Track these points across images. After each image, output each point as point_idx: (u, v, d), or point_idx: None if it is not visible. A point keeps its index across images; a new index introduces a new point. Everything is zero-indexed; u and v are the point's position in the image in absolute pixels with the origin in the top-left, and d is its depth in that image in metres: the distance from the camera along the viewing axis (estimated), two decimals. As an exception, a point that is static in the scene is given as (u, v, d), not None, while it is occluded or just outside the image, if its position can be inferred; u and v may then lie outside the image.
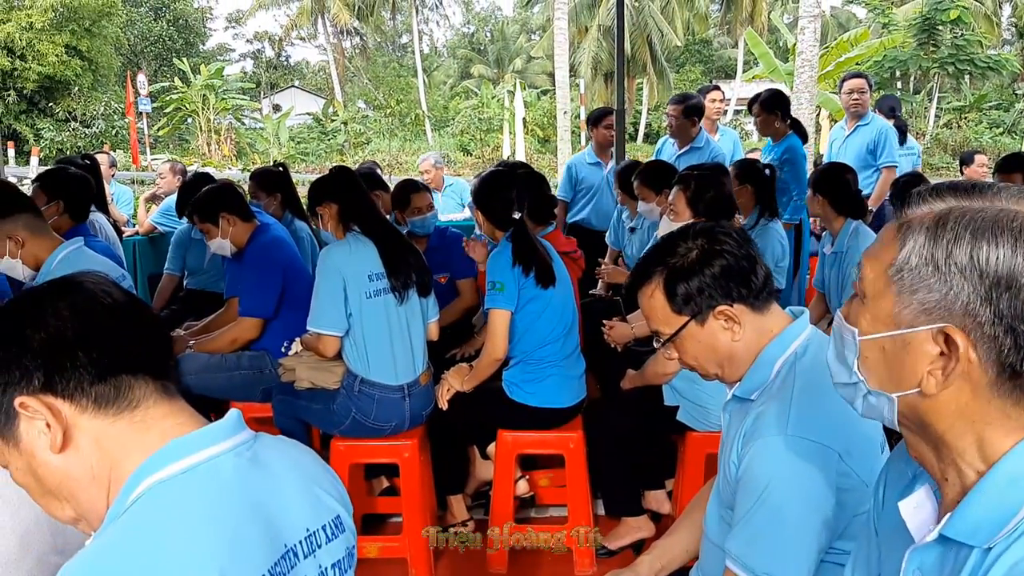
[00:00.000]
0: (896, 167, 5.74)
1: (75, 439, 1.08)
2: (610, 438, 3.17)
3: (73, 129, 25.37)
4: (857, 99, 5.88)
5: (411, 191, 4.22)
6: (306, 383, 3.31)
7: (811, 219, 5.06)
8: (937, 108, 25.76)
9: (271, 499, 1.11)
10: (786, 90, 9.85)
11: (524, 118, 23.05)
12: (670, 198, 3.55)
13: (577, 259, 4.06)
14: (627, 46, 23.08)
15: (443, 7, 46.94)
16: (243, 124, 27.96)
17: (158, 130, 25.78)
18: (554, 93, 24.28)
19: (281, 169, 4.96)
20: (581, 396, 3.29)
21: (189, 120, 26.98)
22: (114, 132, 25.64)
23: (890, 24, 23.36)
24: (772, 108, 5.14)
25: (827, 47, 19.43)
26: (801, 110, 13.42)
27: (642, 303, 1.77)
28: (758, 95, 5.28)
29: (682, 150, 5.46)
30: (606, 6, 30.67)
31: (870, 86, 5.98)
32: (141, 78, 19.00)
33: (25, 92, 25.47)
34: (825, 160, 6.07)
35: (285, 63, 48.51)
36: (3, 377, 1.07)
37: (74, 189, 3.68)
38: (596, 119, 6.04)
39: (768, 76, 19.86)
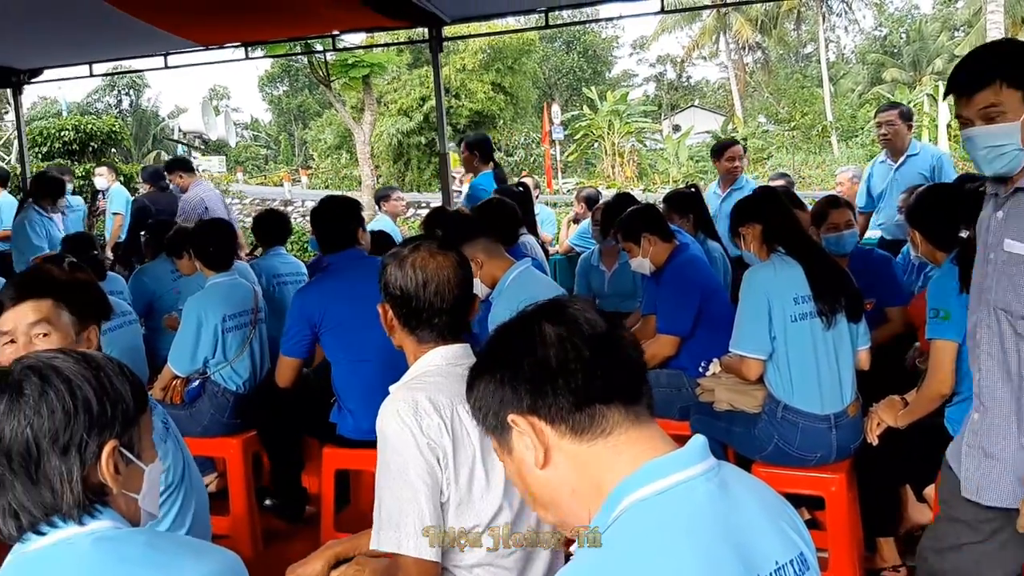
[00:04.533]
0: None
1: (554, 459, 1.17)
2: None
3: (498, 159, 28.15)
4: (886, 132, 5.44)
5: (831, 206, 4.02)
6: (725, 405, 3.30)
7: None
8: None
9: (742, 527, 1.11)
10: None
11: (949, 123, 20.85)
12: None
13: None
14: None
15: (852, 12, 44.31)
16: (644, 146, 28.91)
17: (568, 156, 27.66)
18: (984, 94, 21.59)
19: (693, 191, 5.03)
20: None
21: (595, 145, 28.57)
22: (532, 160, 27.96)
23: None
24: None
25: None
26: None
27: None
28: None
29: None
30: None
31: (904, 117, 5.51)
32: (555, 108, 20.57)
33: (459, 127, 28.85)
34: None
35: (685, 83, 49.33)
36: (500, 393, 1.20)
37: (506, 215, 4.19)
38: None
39: None
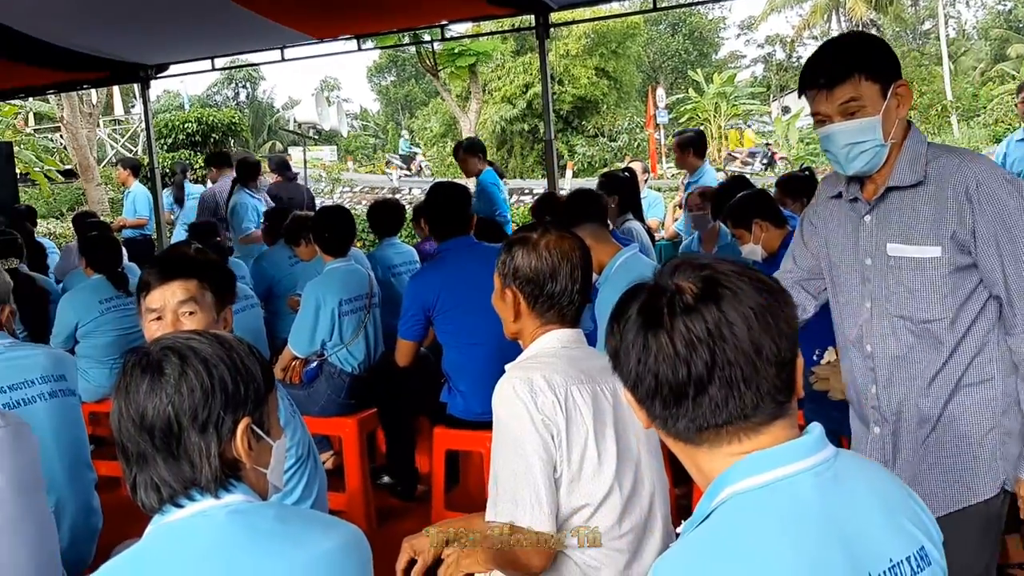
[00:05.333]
0: None
1: None
2: None
3: (601, 144, 27.97)
4: None
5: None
6: (839, 394, 3.22)
7: None
8: None
9: (852, 523, 1.07)
10: None
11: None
12: None
13: None
14: None
15: (975, -15, 42.01)
16: (752, 128, 28.20)
17: (672, 139, 27.24)
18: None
19: (807, 174, 4.90)
20: None
21: (701, 128, 28.08)
22: (636, 144, 27.67)
23: None
24: None
25: None
26: None
27: None
28: None
29: None
30: None
31: None
32: (660, 92, 20.30)
33: (562, 113, 28.79)
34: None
35: (795, 64, 47.74)
36: None
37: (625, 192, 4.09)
38: None
39: None
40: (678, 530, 1.16)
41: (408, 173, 24.95)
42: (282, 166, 8.21)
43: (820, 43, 2.15)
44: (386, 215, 5.15)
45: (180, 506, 1.29)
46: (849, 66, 1.93)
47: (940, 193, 1.95)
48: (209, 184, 8.16)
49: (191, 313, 2.11)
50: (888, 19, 38.83)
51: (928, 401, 2.03)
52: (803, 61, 2.10)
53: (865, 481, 1.14)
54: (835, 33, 39.51)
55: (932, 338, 2.00)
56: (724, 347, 1.05)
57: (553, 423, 1.85)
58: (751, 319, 1.06)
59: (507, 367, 1.98)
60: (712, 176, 6.24)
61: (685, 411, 1.08)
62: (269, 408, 1.40)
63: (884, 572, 1.07)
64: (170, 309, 2.11)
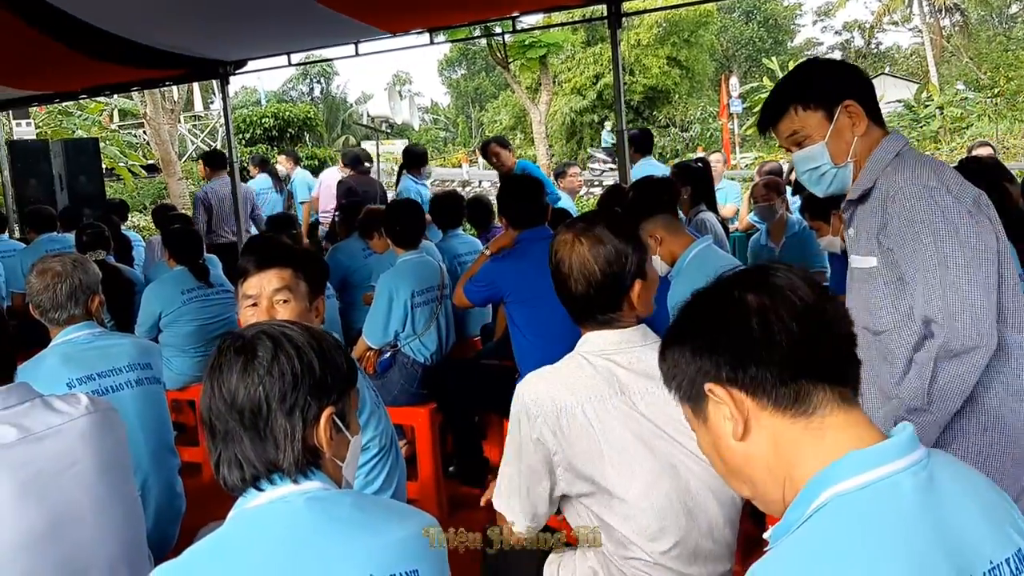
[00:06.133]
0: None
1: (754, 432, 1.13)
2: None
3: (673, 134, 27.65)
4: None
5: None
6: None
7: None
8: None
9: (952, 523, 1.04)
10: None
11: None
12: None
13: None
14: None
15: (1069, -37, 40.09)
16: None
17: (746, 129, 26.78)
18: None
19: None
20: None
21: (775, 117, 27.49)
22: (708, 134, 27.29)
23: None
24: None
25: None
26: None
27: None
28: None
29: None
30: None
31: None
32: (733, 81, 19.97)
33: (632, 103, 28.55)
34: None
35: (875, 50, 46.43)
36: (697, 362, 1.17)
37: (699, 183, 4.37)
38: None
39: None
40: (765, 535, 1.13)
41: (613, 167, 24.59)
42: (355, 160, 8.34)
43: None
44: (448, 207, 5.19)
45: (260, 489, 1.32)
46: (784, 101, 2.06)
47: (876, 203, 1.98)
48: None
49: (285, 301, 2.16)
50: (972, 3, 37.41)
51: (879, 416, 1.97)
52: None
53: (960, 481, 1.11)
54: (916, 19, 38.26)
55: (887, 351, 2.00)
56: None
57: (544, 442, 1.83)
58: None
59: (529, 375, 1.96)
60: (653, 170, 6.28)
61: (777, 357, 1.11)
62: (350, 403, 1.44)
63: (985, 574, 1.03)
64: (266, 296, 2.16)
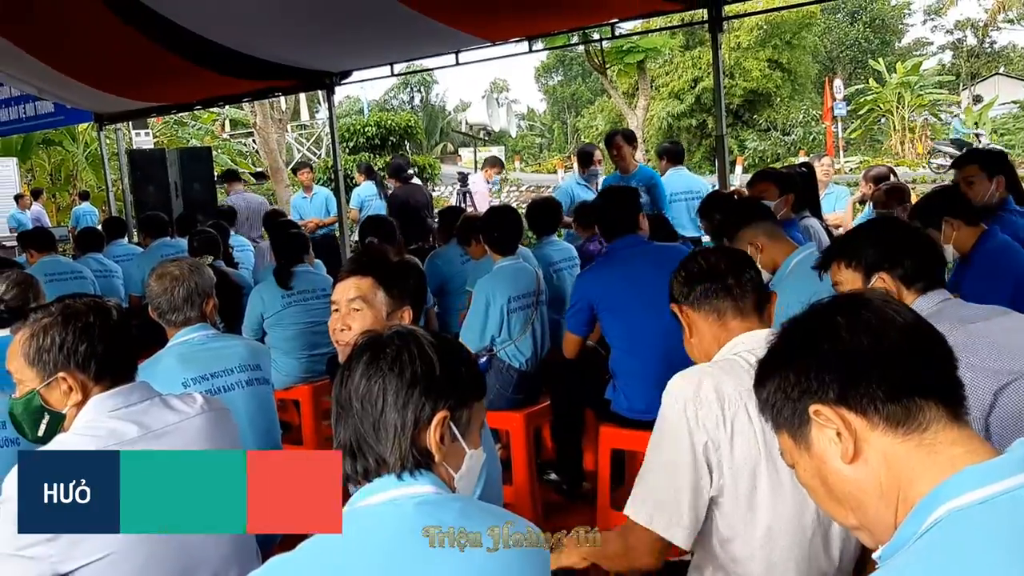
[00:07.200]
0: None
1: (864, 453, 1.10)
2: None
3: (774, 138, 27.04)
4: None
5: None
6: None
7: None
8: None
9: None
10: None
11: None
12: None
13: None
14: None
15: None
16: (939, 119, 26.40)
17: (850, 133, 25.94)
18: None
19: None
20: None
21: (882, 120, 26.53)
22: (811, 138, 26.58)
23: None
24: None
25: None
26: None
27: None
28: None
29: None
30: None
31: None
32: (837, 83, 19.39)
33: (731, 107, 28.03)
34: None
35: (988, 50, 44.28)
36: (803, 384, 1.15)
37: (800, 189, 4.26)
38: None
39: None
40: (875, 555, 1.11)
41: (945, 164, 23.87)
42: (397, 170, 8.50)
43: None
44: (543, 213, 5.20)
45: (369, 482, 1.37)
46: (831, 255, 2.31)
47: None
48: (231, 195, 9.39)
49: (357, 309, 2.25)
50: (1100, -3, 35.27)
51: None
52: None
53: None
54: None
55: None
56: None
57: (712, 439, 1.76)
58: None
59: (683, 371, 1.90)
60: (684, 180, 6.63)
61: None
62: (472, 416, 1.45)
63: None
64: (343, 303, 2.26)
